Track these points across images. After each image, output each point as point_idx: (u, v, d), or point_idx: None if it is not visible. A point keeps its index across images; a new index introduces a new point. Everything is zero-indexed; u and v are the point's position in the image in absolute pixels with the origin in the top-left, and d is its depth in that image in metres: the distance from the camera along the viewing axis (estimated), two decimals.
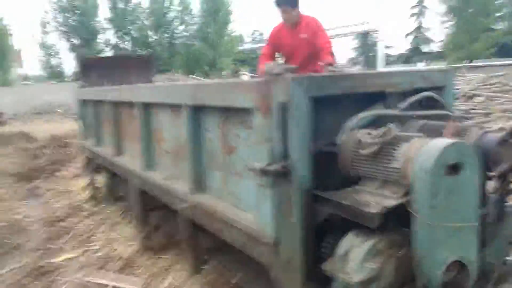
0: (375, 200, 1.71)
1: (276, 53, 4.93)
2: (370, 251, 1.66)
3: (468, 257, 1.68)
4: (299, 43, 4.53)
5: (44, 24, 34.28)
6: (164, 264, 4.15)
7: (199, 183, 2.84)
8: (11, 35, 30.81)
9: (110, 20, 34.72)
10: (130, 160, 4.26)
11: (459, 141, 1.63)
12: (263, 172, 1.97)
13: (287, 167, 1.89)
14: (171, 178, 3.31)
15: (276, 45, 4.80)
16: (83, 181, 7.77)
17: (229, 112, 2.44)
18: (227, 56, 35.24)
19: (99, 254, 4.49)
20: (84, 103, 5.96)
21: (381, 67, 30.48)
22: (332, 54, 4.16)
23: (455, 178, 1.60)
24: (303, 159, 1.90)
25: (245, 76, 36.23)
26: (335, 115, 2.00)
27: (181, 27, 35.53)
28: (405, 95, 2.19)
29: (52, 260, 4.45)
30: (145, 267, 4.12)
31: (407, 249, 1.67)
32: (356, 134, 1.89)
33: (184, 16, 35.12)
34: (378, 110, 2.05)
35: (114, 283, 3.84)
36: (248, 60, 45.02)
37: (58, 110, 29.09)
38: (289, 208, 1.94)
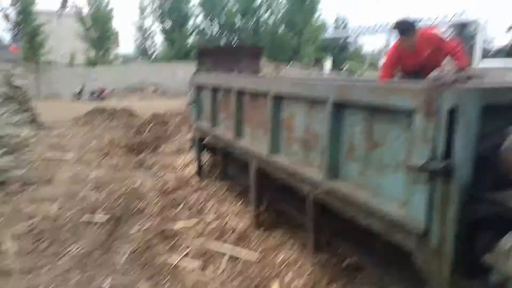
0: None
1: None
2: None
3: None
4: (424, 60, 4.58)
5: (142, 8, 36.86)
6: (276, 241, 4.56)
7: (334, 172, 3.13)
8: (113, 17, 33.49)
9: (201, 5, 36.22)
10: (252, 143, 4.68)
11: None
12: (423, 169, 2.19)
13: (448, 166, 2.08)
14: (300, 163, 3.63)
15: (397, 65, 4.89)
16: (184, 158, 8.54)
17: (377, 111, 2.68)
18: (311, 44, 35.14)
19: (213, 225, 5.03)
20: (199, 87, 6.53)
21: (478, 62, 28.26)
22: (464, 57, 4.17)
23: None
24: (466, 161, 2.08)
25: (328, 64, 35.82)
26: (499, 122, 2.14)
27: (267, 14, 35.96)
28: None
29: (171, 227, 5.08)
30: (258, 242, 4.56)
31: None
32: None
33: (271, 2, 35.46)
34: None
35: (231, 253, 4.32)
36: (329, 48, 44.36)
37: (149, 88, 31.40)
38: (445, 204, 2.15)
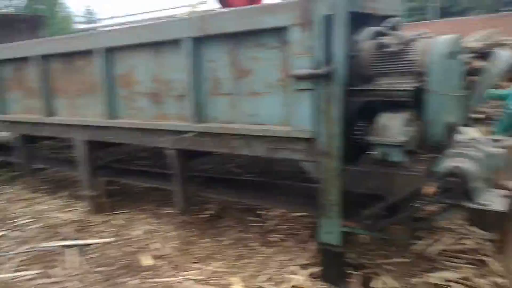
0: (401, 85, 2.35)
1: None
2: (406, 120, 2.32)
3: (455, 119, 2.47)
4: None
5: None
6: (125, 219, 4.14)
7: (201, 113, 3.05)
8: None
9: None
10: (74, 115, 4.00)
11: (454, 36, 2.38)
12: (310, 76, 2.41)
13: (331, 70, 2.37)
14: (153, 118, 3.36)
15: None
16: None
17: (244, 37, 2.73)
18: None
19: (35, 227, 4.12)
20: None
21: None
22: None
23: (452, 61, 2.35)
24: (343, 62, 2.41)
25: None
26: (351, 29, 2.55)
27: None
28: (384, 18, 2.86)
29: None
30: (105, 226, 4.03)
31: (423, 119, 2.37)
32: (375, 41, 2.48)
33: None
34: (376, 27, 2.67)
35: (79, 243, 3.67)
36: None
37: None
38: (329, 104, 2.44)
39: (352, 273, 2.71)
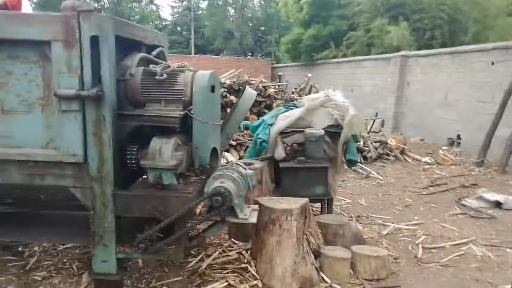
0: (168, 112, 2.46)
1: None
2: (175, 145, 2.42)
3: (218, 144, 2.74)
4: None
5: None
6: None
7: None
8: None
9: None
10: None
11: (213, 71, 2.64)
12: (77, 97, 2.23)
13: (100, 91, 2.26)
14: None
15: None
16: None
17: None
18: None
19: None
20: None
21: None
22: None
23: (213, 94, 2.60)
24: (112, 85, 2.34)
25: None
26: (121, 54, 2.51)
27: None
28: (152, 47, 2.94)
29: None
30: None
31: (190, 144, 2.54)
32: (145, 68, 2.52)
33: None
34: (145, 54, 2.71)
35: None
36: None
37: None
38: (99, 127, 2.32)
39: None
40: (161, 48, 2.91)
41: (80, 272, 2.93)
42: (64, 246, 3.33)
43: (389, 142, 8.15)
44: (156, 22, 32.37)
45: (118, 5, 25.60)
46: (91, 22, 2.22)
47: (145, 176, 2.58)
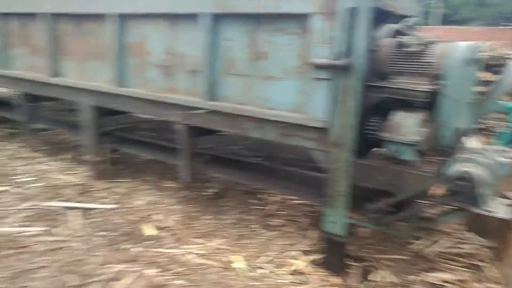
0: (417, 86, 2.33)
1: None
2: (421, 120, 2.31)
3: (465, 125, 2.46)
4: None
5: None
6: (127, 188, 4.15)
7: (213, 92, 3.01)
8: None
9: None
10: (81, 79, 3.94)
11: (474, 43, 2.34)
12: (331, 66, 2.37)
13: (350, 62, 2.34)
14: (163, 91, 3.32)
15: None
16: None
17: (263, 20, 2.67)
18: None
19: (37, 186, 4.13)
20: None
21: None
22: None
23: (467, 69, 2.32)
24: (363, 56, 2.37)
25: None
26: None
27: None
28: (402, 17, 2.82)
29: None
30: (106, 193, 4.04)
31: (434, 121, 2.36)
32: (395, 39, 2.44)
33: None
34: (395, 25, 2.62)
35: (82, 207, 3.69)
36: None
37: None
38: (345, 96, 2.42)
39: (352, 265, 2.75)
40: (413, 18, 2.76)
41: (308, 227, 3.25)
42: (296, 202, 3.73)
43: None
44: None
45: None
46: None
47: (377, 149, 2.57)
